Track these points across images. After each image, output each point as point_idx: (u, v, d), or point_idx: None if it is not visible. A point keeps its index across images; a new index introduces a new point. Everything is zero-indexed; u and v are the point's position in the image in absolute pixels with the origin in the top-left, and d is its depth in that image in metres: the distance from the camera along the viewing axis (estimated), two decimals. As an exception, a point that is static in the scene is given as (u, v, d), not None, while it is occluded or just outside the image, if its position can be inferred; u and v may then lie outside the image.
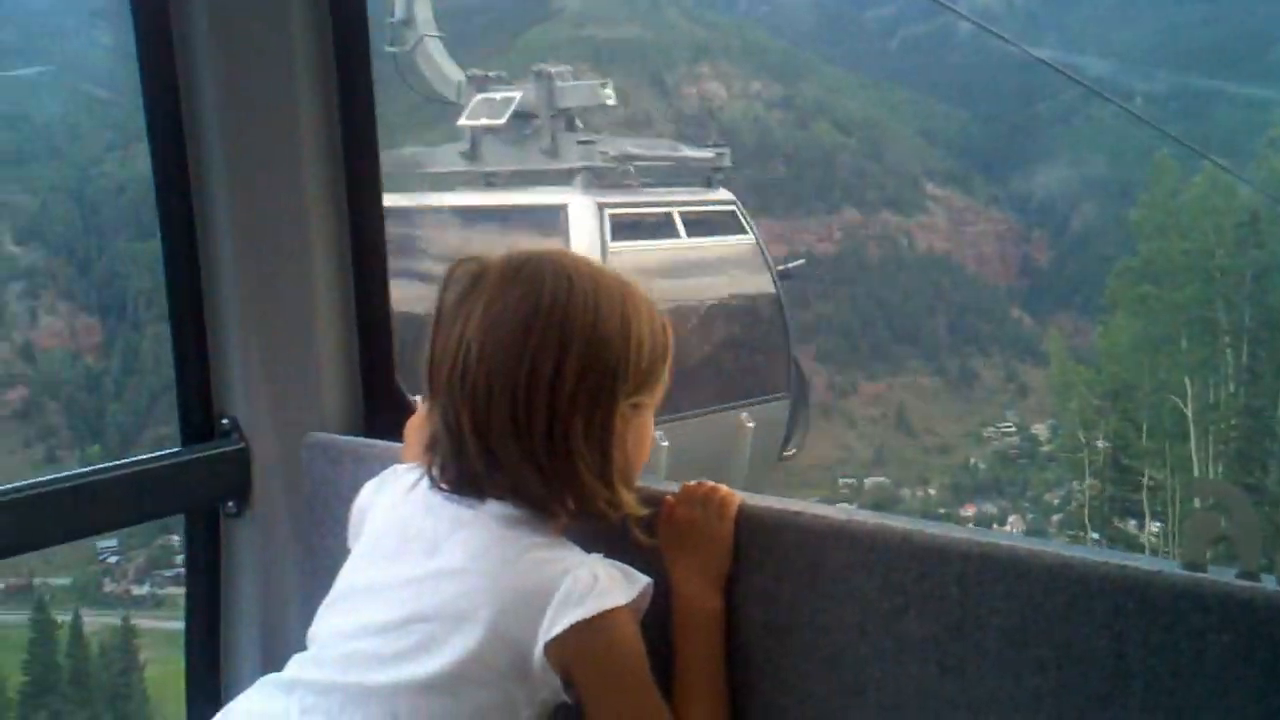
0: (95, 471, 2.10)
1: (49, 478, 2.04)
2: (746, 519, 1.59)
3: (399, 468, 1.69)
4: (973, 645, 1.42)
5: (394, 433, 1.98)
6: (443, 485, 1.52)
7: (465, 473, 1.49)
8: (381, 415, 2.24)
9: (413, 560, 1.50)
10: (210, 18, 2.09)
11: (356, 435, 2.20)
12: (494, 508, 1.49)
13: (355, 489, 1.72)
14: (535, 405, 1.43)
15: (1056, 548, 1.42)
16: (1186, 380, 28.45)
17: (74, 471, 2.08)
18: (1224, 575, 1.32)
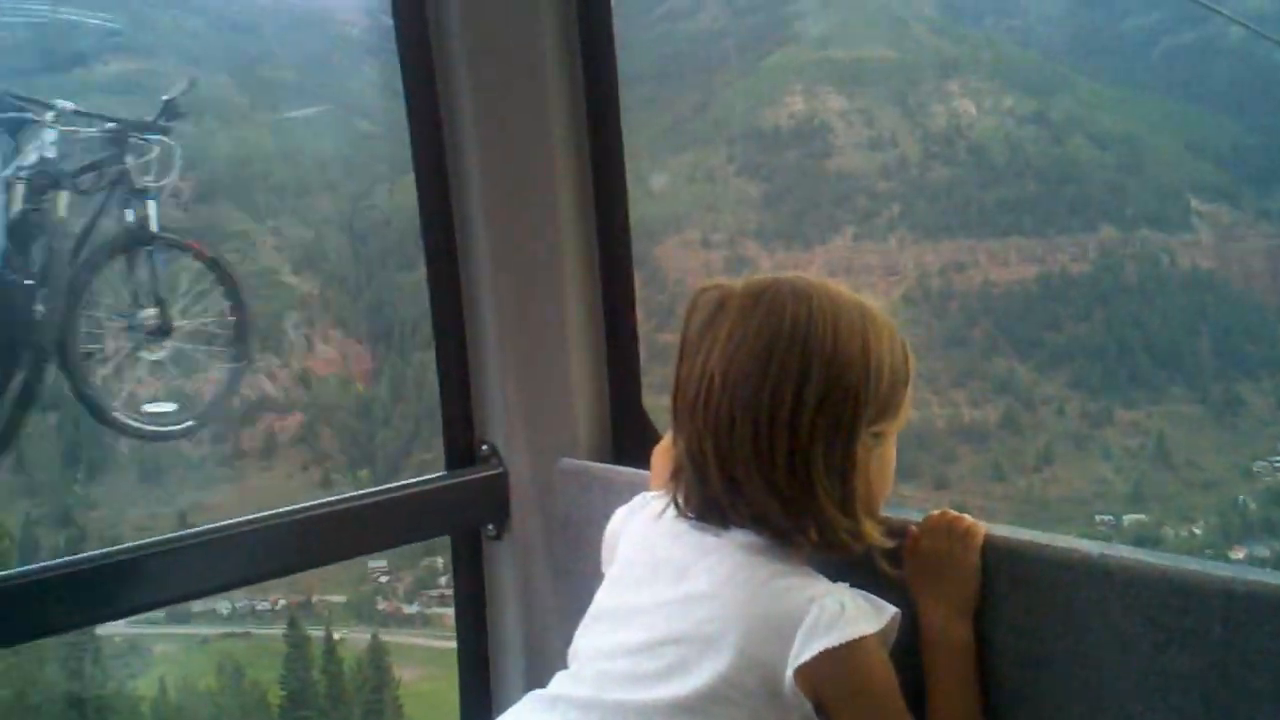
0: (368, 495, 2.23)
1: (325, 500, 2.17)
2: (993, 549, 1.56)
3: (647, 495, 1.73)
4: (1241, 684, 1.35)
5: (640, 459, 2.02)
6: (688, 513, 1.55)
7: (709, 501, 1.51)
8: (628, 442, 2.29)
9: (662, 585, 1.53)
10: (469, 54, 2.18)
11: (604, 461, 2.25)
12: (738, 535, 1.51)
13: (604, 513, 1.76)
14: (777, 434, 1.43)
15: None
16: None
17: (348, 494, 2.21)
18: None
